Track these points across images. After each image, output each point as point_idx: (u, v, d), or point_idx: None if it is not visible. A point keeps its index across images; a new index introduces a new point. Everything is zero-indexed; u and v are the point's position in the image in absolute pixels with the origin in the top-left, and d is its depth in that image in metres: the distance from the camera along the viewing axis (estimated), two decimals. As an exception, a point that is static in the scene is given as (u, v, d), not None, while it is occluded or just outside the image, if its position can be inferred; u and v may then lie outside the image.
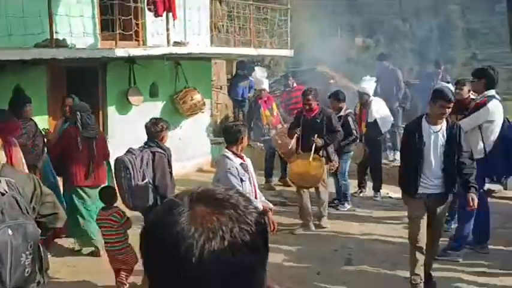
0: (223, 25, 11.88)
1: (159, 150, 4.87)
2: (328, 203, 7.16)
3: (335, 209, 7.65)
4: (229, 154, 4.63)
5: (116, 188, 5.00)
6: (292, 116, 8.00)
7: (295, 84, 10.36)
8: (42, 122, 6.98)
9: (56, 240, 5.97)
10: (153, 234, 0.88)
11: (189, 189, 0.93)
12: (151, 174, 4.80)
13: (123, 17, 7.75)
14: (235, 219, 0.86)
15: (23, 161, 5.10)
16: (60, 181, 6.15)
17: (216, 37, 11.03)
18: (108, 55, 7.63)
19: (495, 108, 5.59)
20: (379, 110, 8.12)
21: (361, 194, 8.46)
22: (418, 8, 19.24)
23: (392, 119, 8.60)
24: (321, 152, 6.75)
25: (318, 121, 6.76)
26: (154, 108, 9.04)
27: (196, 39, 9.61)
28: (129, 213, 5.15)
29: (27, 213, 2.64)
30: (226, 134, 4.82)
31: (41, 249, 2.76)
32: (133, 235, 5.07)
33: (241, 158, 4.70)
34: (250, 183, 4.64)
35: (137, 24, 8.15)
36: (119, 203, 5.06)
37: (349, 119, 7.48)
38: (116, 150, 5.85)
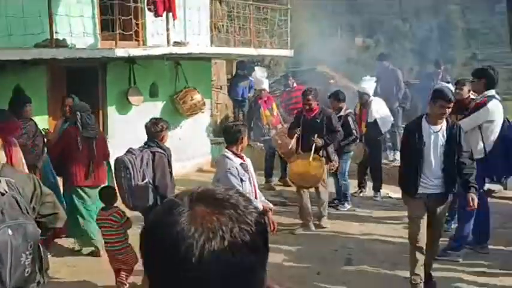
0: (223, 25, 11.89)
1: (159, 150, 4.87)
2: (328, 203, 7.16)
3: (335, 209, 7.65)
4: (229, 154, 4.64)
5: (116, 188, 5.01)
6: (292, 116, 8.00)
7: (295, 84, 10.36)
8: (42, 122, 6.98)
9: (56, 240, 5.97)
10: (153, 234, 0.88)
11: (189, 189, 0.93)
12: (151, 174, 4.80)
13: (123, 17, 7.75)
14: (235, 219, 0.86)
15: (23, 161, 5.10)
16: (60, 181, 6.15)
17: (216, 37, 11.03)
18: (108, 55, 7.63)
19: (495, 108, 5.59)
20: (379, 110, 8.12)
21: (361, 194, 8.46)
22: (418, 8, 19.24)
23: (392, 119, 8.60)
24: (320, 152, 6.75)
25: (318, 121, 6.76)
26: (155, 108, 9.05)
27: (196, 39, 9.61)
28: (129, 213, 5.15)
29: (27, 213, 2.64)
30: (226, 134, 4.82)
31: (41, 249, 2.76)
32: (134, 235, 5.06)
33: (241, 158, 4.70)
34: (250, 183, 4.64)
35: (137, 24, 8.15)
36: (118, 203, 5.06)
37: (349, 119, 7.48)
38: (116, 150, 5.85)
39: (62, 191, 5.93)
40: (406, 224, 5.89)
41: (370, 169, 8.40)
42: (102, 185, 5.85)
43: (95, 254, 5.87)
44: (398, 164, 5.35)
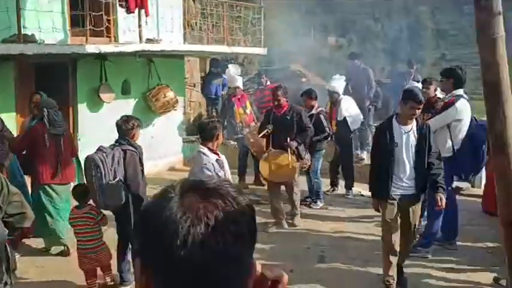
0: (196, 23, 11.82)
1: (130, 148, 4.82)
2: (300, 201, 7.20)
3: (308, 207, 7.70)
4: (205, 150, 4.65)
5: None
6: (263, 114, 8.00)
7: (268, 83, 10.37)
8: (10, 119, 6.81)
9: (23, 240, 5.84)
10: (145, 219, 0.93)
11: (183, 179, 0.98)
12: (122, 172, 4.74)
13: (93, 13, 7.62)
14: (222, 208, 0.90)
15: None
16: (28, 180, 6.02)
17: (189, 34, 10.96)
18: (78, 51, 7.50)
19: (463, 107, 5.70)
20: (349, 108, 8.20)
21: (333, 192, 8.53)
22: (390, 9, 19.53)
23: (362, 117, 8.70)
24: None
25: (288, 118, 6.77)
26: (127, 106, 8.93)
27: (169, 36, 9.53)
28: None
29: (-6, 212, 2.58)
30: (202, 131, 4.81)
31: (8, 249, 2.70)
32: (105, 233, 5.01)
33: (217, 154, 4.72)
34: (225, 180, 4.63)
35: (108, 21, 8.02)
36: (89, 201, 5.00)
37: (321, 116, 7.54)
38: (86, 148, 5.77)
39: (29, 190, 5.81)
40: (377, 222, 5.99)
41: (342, 167, 8.48)
42: (71, 183, 5.76)
43: (64, 253, 5.77)
44: (369, 163, 5.40)
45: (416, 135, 4.69)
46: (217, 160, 4.65)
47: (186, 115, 11.32)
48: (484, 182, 7.71)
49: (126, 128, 4.85)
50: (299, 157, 6.85)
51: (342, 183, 8.55)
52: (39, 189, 5.70)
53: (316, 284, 5.20)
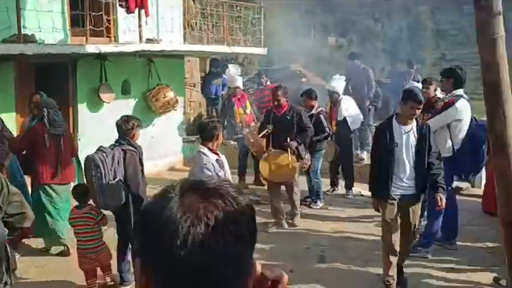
0: (196, 23, 11.82)
1: (130, 148, 4.82)
2: (300, 201, 7.20)
3: (308, 207, 7.70)
4: (205, 150, 4.65)
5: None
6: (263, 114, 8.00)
7: (268, 83, 10.37)
8: (10, 119, 6.81)
9: (23, 240, 5.84)
10: (145, 219, 0.93)
11: (183, 179, 0.98)
12: (122, 172, 4.74)
13: (93, 13, 7.62)
14: (222, 208, 0.90)
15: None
16: (27, 180, 6.02)
17: (189, 34, 10.96)
18: (78, 51, 7.49)
19: (463, 107, 5.70)
20: (349, 108, 8.21)
21: (333, 192, 8.53)
22: (390, 9, 19.52)
23: (362, 117, 8.70)
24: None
25: (288, 118, 6.77)
26: (126, 106, 8.93)
27: (169, 36, 9.53)
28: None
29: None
30: (202, 131, 4.82)
31: (8, 249, 2.70)
32: (105, 233, 5.00)
33: (217, 154, 4.73)
34: (225, 180, 4.63)
35: (108, 21, 8.02)
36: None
37: (321, 116, 7.54)
38: (86, 148, 5.77)
39: (29, 190, 5.81)
40: (377, 222, 5.98)
41: (342, 167, 8.48)
42: (71, 183, 5.76)
43: (64, 253, 5.77)
44: (368, 163, 5.40)
45: (416, 135, 4.69)
46: (217, 160, 4.66)
47: (186, 115, 11.32)
48: (484, 182, 7.71)
49: (126, 128, 4.85)
50: (299, 157, 6.85)
51: (342, 183, 8.55)
52: (39, 189, 5.70)
53: (316, 284, 5.20)
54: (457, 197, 6.27)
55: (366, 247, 6.09)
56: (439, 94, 6.32)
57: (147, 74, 9.37)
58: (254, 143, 7.91)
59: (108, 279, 5.07)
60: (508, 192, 2.95)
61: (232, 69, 9.64)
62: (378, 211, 4.92)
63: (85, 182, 4.99)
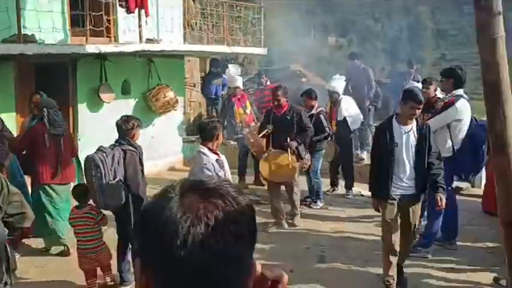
0: (196, 23, 11.82)
1: (130, 148, 4.82)
2: (300, 201, 7.20)
3: (308, 207, 7.70)
4: (205, 150, 4.65)
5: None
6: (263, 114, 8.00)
7: (268, 83, 10.37)
8: (10, 119, 6.81)
9: (23, 240, 5.84)
10: (145, 219, 0.93)
11: (183, 179, 0.98)
12: (122, 172, 4.74)
13: (93, 13, 7.62)
14: (222, 208, 0.90)
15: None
16: (27, 180, 6.02)
17: (189, 34, 10.96)
18: (78, 51, 7.49)
19: (463, 107, 5.71)
20: (349, 108, 8.21)
21: (333, 192, 8.53)
22: (390, 9, 19.53)
23: (362, 117, 8.70)
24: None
25: (288, 118, 6.77)
26: (126, 106, 8.93)
27: (169, 36, 9.53)
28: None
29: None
30: (202, 131, 4.82)
31: (8, 249, 2.70)
32: (105, 233, 5.00)
33: (217, 154, 4.73)
34: (225, 180, 4.63)
35: (108, 21, 8.02)
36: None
37: (321, 116, 7.54)
38: (86, 148, 5.77)
39: (29, 190, 5.81)
40: (377, 222, 5.98)
41: (342, 167, 8.48)
42: (71, 183, 5.76)
43: (64, 253, 5.77)
44: (368, 163, 5.40)
45: (416, 135, 4.69)
46: (217, 160, 4.66)
47: (186, 115, 11.32)
48: (484, 182, 7.71)
49: (126, 128, 4.85)
50: (299, 157, 6.85)
51: (342, 183, 8.55)
52: (39, 189, 5.70)
53: (316, 284, 5.20)
54: (457, 197, 6.27)
55: (366, 247, 6.09)
56: (439, 94, 6.32)
57: (147, 74, 9.37)
58: (254, 143, 7.92)
59: (108, 279, 5.07)
60: (508, 192, 2.95)
61: (232, 69, 9.64)
62: (378, 211, 4.92)
63: (85, 182, 4.99)
